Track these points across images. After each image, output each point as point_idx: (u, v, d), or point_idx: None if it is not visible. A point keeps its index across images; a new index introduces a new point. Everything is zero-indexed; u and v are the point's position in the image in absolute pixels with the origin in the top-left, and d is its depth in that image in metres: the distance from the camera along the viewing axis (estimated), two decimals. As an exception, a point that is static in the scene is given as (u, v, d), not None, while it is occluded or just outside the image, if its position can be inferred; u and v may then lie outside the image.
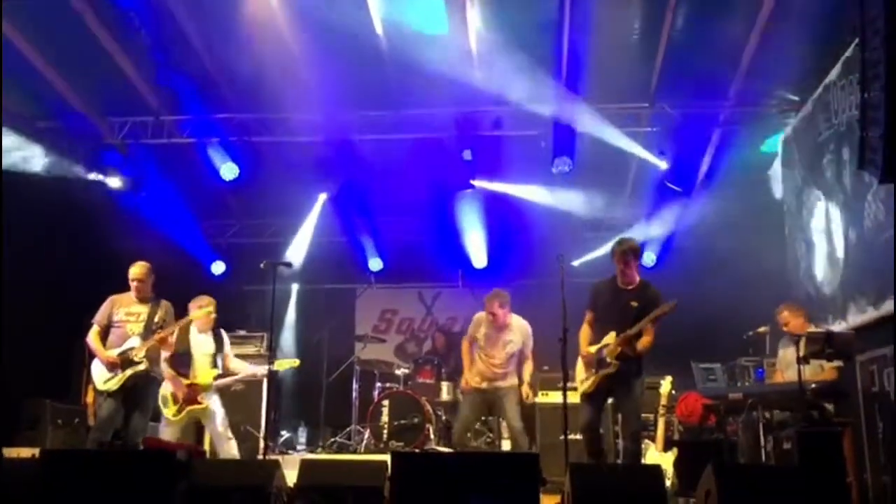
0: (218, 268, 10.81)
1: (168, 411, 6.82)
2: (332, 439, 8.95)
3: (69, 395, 8.41)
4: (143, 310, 6.52)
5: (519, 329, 7.19)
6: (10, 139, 7.98)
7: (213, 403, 6.90)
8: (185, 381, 6.86)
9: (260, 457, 6.94)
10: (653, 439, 6.85)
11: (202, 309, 6.96)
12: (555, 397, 8.05)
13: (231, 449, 6.85)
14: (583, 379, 6.06)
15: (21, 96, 7.96)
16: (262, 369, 7.10)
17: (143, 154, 9.23)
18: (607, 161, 9.26)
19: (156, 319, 6.49)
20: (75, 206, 8.59)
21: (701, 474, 4.63)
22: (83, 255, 8.79)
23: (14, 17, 7.34)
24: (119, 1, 7.40)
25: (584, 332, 6.13)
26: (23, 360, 7.54)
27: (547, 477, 5.80)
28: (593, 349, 5.99)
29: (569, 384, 6.06)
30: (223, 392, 7.17)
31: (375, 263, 10.84)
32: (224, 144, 9.06)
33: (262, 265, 6.77)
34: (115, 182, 9.02)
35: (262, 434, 7.56)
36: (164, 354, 6.83)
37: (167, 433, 6.84)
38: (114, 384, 6.32)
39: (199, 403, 6.83)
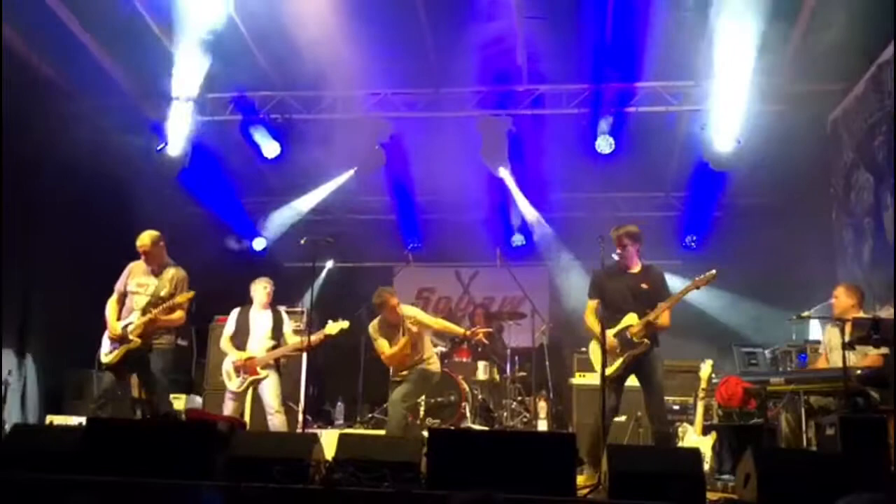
0: (259, 244, 10.92)
1: (232, 384, 7.03)
2: (370, 415, 9.02)
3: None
4: (151, 282, 6.49)
5: None
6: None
7: (272, 376, 7.06)
8: (244, 355, 7.01)
9: (299, 430, 7.05)
10: (692, 422, 6.78)
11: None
12: (592, 379, 8.01)
13: (277, 422, 6.97)
14: (606, 362, 5.87)
15: (68, 74, 8.10)
16: (315, 337, 7.13)
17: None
18: (651, 139, 9.13)
19: (162, 294, 6.42)
20: (123, 180, 8.70)
21: (740, 458, 4.57)
22: (131, 229, 8.92)
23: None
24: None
25: (592, 320, 6.11)
26: (69, 330, 7.69)
27: (583, 457, 5.79)
28: (613, 333, 5.97)
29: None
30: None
31: (413, 242, 10.85)
32: (265, 122, 9.11)
33: (302, 241, 6.81)
34: (161, 158, 9.12)
35: (301, 408, 7.63)
36: (226, 333, 7.19)
37: (230, 407, 7.02)
38: (112, 358, 6.36)
39: (259, 374, 7.00)
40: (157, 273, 6.51)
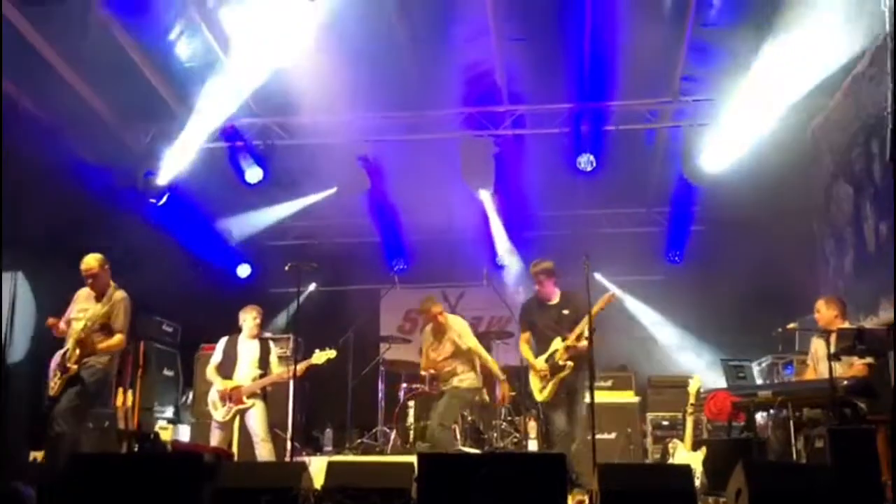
0: (244, 270, 10.86)
1: (217, 414, 6.97)
2: (359, 440, 8.94)
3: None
4: (90, 306, 6.28)
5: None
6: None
7: (258, 405, 7.00)
8: (230, 384, 6.96)
9: (287, 458, 6.98)
10: (681, 438, 6.76)
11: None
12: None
13: (264, 451, 6.90)
14: (540, 388, 6.47)
15: (45, 103, 8.05)
16: (300, 367, 7.09)
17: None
18: (630, 156, 9.19)
19: (98, 314, 6.15)
20: (103, 211, 8.64)
21: (731, 473, 4.55)
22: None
23: (43, 27, 7.42)
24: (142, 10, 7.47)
25: (526, 350, 6.69)
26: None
27: (574, 477, 5.77)
28: (544, 359, 6.45)
29: (595, 384, 6.02)
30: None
31: (398, 264, 10.82)
32: (248, 148, 9.09)
33: (286, 267, 6.77)
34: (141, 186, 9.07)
35: (289, 435, 7.56)
36: (213, 361, 7.08)
37: (216, 436, 6.95)
38: (55, 390, 6.08)
39: (244, 403, 6.93)
40: (99, 298, 6.29)
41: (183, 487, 4.34)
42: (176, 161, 8.82)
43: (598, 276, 6.24)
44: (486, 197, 9.76)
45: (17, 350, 7.60)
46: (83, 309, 6.29)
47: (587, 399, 6.31)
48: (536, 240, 10.57)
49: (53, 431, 5.86)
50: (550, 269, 6.70)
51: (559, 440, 6.39)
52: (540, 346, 6.58)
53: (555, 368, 6.40)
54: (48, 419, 5.97)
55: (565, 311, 6.53)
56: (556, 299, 6.67)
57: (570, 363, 6.33)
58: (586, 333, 6.19)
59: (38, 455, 6.71)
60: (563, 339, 6.42)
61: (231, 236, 9.36)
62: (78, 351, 6.06)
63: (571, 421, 6.54)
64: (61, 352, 6.17)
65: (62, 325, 6.33)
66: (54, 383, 6.10)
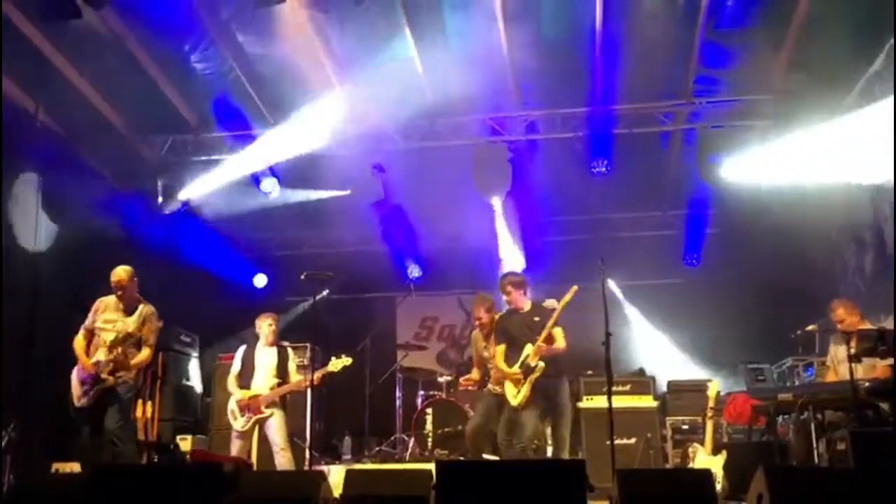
0: (260, 280, 10.92)
1: (237, 424, 6.99)
2: (377, 448, 8.95)
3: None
4: (119, 318, 6.35)
5: None
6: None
7: (277, 414, 7.01)
8: (248, 394, 6.98)
9: (306, 467, 6.99)
10: (701, 442, 6.72)
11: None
12: (599, 401, 7.95)
13: (284, 461, 6.91)
14: (514, 393, 6.50)
15: (62, 115, 8.15)
16: (316, 374, 7.12)
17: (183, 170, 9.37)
18: (645, 159, 9.16)
19: (130, 330, 6.28)
20: (115, 225, 8.74)
21: (752, 478, 4.52)
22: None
23: (56, 38, 7.51)
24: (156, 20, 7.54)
25: (500, 360, 6.72)
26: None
27: (593, 483, 5.74)
28: (518, 366, 6.49)
29: (613, 388, 6.00)
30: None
31: (415, 271, 10.84)
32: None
33: (302, 277, 6.80)
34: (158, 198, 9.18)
35: (307, 444, 7.58)
36: (233, 371, 7.15)
37: (236, 446, 6.98)
38: (87, 401, 6.17)
39: (263, 413, 6.95)
40: (127, 310, 6.38)
41: (203, 498, 4.37)
42: (201, 183, 9.00)
43: (610, 282, 6.16)
44: (497, 205, 9.74)
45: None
46: (110, 320, 6.34)
47: (569, 414, 6.67)
48: (552, 245, 10.55)
49: (112, 450, 6.05)
50: (518, 280, 6.89)
51: (519, 447, 6.39)
52: (514, 354, 6.62)
53: (527, 370, 6.45)
54: (81, 430, 6.17)
55: (536, 318, 6.63)
56: (527, 307, 6.78)
57: (541, 364, 6.38)
58: (559, 341, 6.45)
59: (60, 466, 6.78)
60: (533, 344, 6.48)
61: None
62: (112, 365, 6.16)
63: (555, 438, 6.75)
64: (91, 362, 6.21)
65: (82, 333, 6.38)
66: (83, 392, 6.18)
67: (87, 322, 6.41)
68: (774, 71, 8.03)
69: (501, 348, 6.77)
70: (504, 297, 6.88)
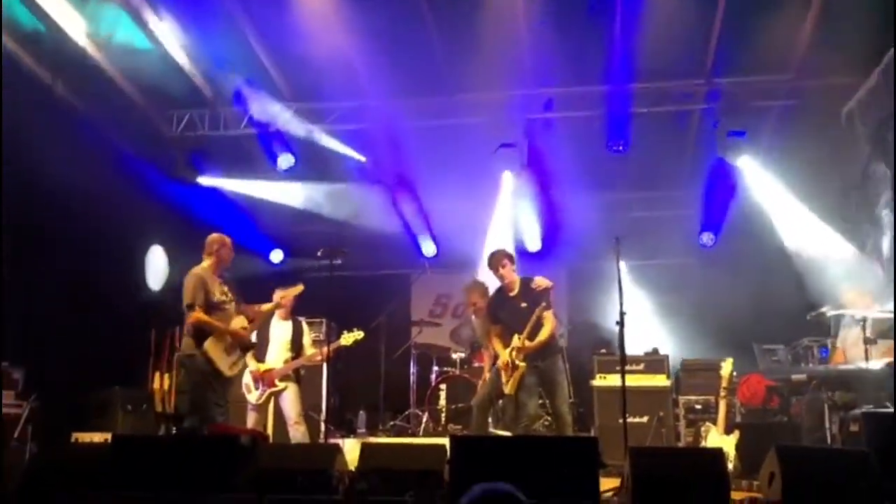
0: (277, 256, 10.97)
1: (251, 396, 7.09)
2: (391, 422, 9.04)
3: (137, 382, 8.64)
4: (226, 288, 6.34)
5: None
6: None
7: (291, 387, 7.10)
8: (263, 367, 7.06)
9: (321, 440, 7.08)
10: (714, 422, 6.74)
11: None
12: (613, 380, 7.98)
13: (298, 433, 7.00)
14: (505, 380, 6.59)
15: (79, 89, 8.18)
16: (332, 345, 7.21)
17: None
18: (662, 138, 9.10)
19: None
20: (136, 199, 8.80)
21: (764, 457, 4.54)
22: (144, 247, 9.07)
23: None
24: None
25: (497, 343, 6.77)
26: (94, 348, 7.76)
27: (606, 460, 5.78)
28: (507, 354, 6.55)
29: (626, 367, 6.03)
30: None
31: (429, 248, 10.85)
32: (279, 135, 9.16)
33: (318, 253, 6.84)
34: (175, 174, 9.22)
35: (322, 417, 7.67)
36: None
37: (252, 418, 7.09)
38: (238, 368, 6.29)
39: (277, 386, 7.04)
40: (223, 278, 6.36)
41: (221, 468, 4.44)
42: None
43: (621, 264, 6.12)
44: (509, 181, 9.68)
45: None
46: (224, 291, 6.30)
47: (565, 391, 6.72)
48: (567, 224, 10.51)
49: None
50: (501, 256, 6.85)
51: (522, 424, 6.46)
52: (505, 338, 6.68)
53: (512, 366, 6.51)
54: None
55: (523, 304, 6.62)
56: (516, 289, 6.77)
57: (522, 364, 6.44)
58: (544, 330, 6.44)
59: (80, 436, 6.90)
60: (519, 338, 6.50)
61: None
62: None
63: (554, 415, 6.79)
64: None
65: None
66: (239, 360, 6.29)
67: (201, 297, 6.10)
68: (795, 49, 7.94)
69: (497, 330, 6.84)
70: (496, 275, 6.87)
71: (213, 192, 9.67)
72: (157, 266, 9.41)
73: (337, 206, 10.61)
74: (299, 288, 6.87)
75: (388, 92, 8.64)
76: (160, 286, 9.32)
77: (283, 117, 9.21)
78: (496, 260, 6.85)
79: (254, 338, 7.25)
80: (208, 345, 6.01)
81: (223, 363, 6.06)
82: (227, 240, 6.43)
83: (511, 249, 8.03)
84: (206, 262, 6.30)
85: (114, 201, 8.19)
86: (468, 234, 10.65)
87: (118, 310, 8.35)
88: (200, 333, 6.03)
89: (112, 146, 8.44)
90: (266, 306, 6.91)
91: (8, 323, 6.73)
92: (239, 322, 6.30)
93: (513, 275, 6.82)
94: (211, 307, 6.10)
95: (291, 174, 9.65)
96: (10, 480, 4.51)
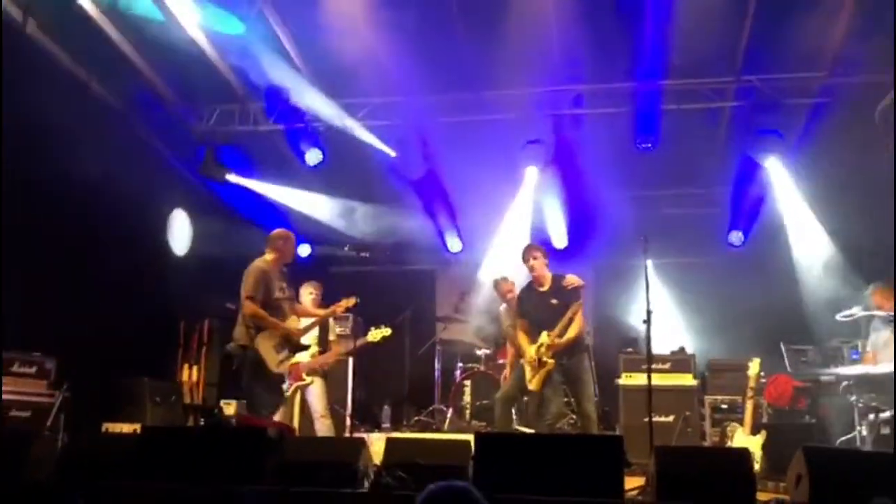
0: (304, 250, 11.05)
1: None
2: (416, 418, 9.07)
3: (165, 374, 8.76)
4: (284, 285, 6.39)
5: None
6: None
7: (317, 382, 7.17)
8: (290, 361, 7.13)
9: (346, 434, 7.13)
10: (740, 422, 6.69)
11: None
12: (639, 379, 7.95)
13: (324, 427, 7.06)
14: (530, 377, 6.59)
15: (110, 85, 8.29)
16: (359, 341, 7.26)
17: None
18: (691, 135, 9.03)
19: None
20: (165, 194, 8.92)
21: (791, 458, 4.50)
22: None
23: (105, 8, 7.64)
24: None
25: (522, 339, 6.75)
26: (123, 341, 7.87)
27: (631, 459, 5.76)
28: (533, 350, 6.50)
29: (653, 366, 6.00)
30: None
31: (455, 244, 10.85)
32: (306, 131, 9.21)
33: (345, 248, 6.89)
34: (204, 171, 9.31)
35: (348, 412, 7.73)
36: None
37: (278, 412, 7.10)
38: (284, 367, 6.31)
39: (304, 380, 7.11)
40: (285, 273, 6.45)
41: (248, 460, 4.49)
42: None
43: (648, 262, 6.09)
44: (531, 174, 9.66)
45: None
46: (283, 288, 6.37)
47: (591, 389, 6.65)
48: (594, 221, 10.47)
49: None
50: (542, 251, 6.82)
51: (546, 422, 6.46)
52: (532, 334, 6.65)
53: (540, 362, 6.47)
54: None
55: (554, 301, 6.58)
56: (547, 285, 6.72)
57: (551, 361, 6.40)
58: (573, 327, 6.41)
59: (111, 426, 7.02)
60: (549, 334, 6.45)
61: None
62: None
63: (579, 414, 6.74)
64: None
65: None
66: (287, 358, 6.38)
67: (261, 293, 6.19)
68: (829, 46, 7.83)
69: (523, 324, 6.82)
70: (527, 267, 6.82)
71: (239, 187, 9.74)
72: (180, 231, 9.42)
73: (366, 223, 10.61)
74: (353, 300, 6.84)
75: (416, 88, 8.65)
76: (184, 251, 9.38)
77: (312, 111, 9.22)
78: (528, 251, 6.83)
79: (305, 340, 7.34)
80: (259, 339, 6.10)
81: (271, 359, 6.14)
82: (291, 235, 6.54)
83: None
84: (269, 256, 6.39)
85: (143, 198, 8.32)
86: (494, 230, 10.64)
87: (146, 301, 8.44)
88: (255, 326, 6.12)
89: (144, 144, 8.57)
90: (321, 312, 7.00)
91: (42, 314, 6.87)
92: (292, 322, 6.37)
93: (544, 269, 6.77)
94: (268, 303, 6.17)
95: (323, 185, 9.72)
96: (42, 470, 4.59)
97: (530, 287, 6.88)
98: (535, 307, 6.71)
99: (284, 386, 7.09)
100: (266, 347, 6.10)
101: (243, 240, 8.50)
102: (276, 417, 7.09)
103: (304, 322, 6.61)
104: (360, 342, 7.20)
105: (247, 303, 6.11)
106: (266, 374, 6.10)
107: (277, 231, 6.53)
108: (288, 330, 6.25)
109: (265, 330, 6.11)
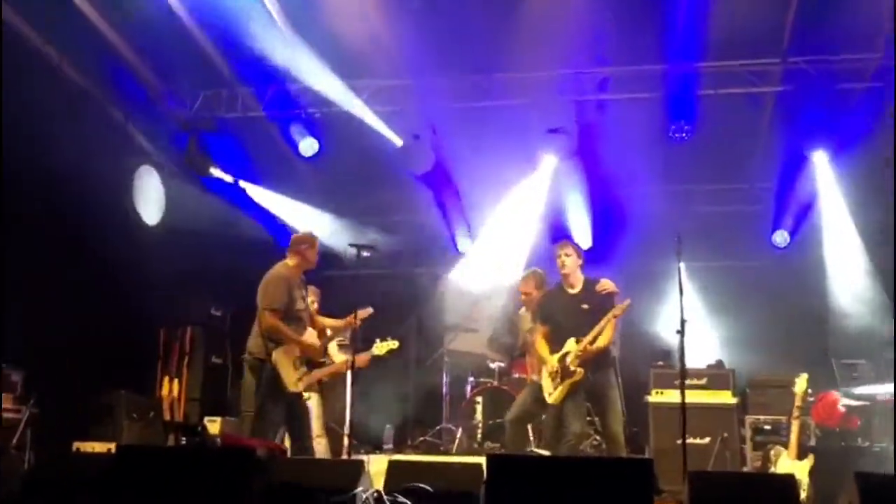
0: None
1: None
2: (421, 438, 9.07)
3: (143, 388, 8.77)
4: (304, 293, 6.45)
5: None
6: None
7: (313, 398, 7.19)
8: None
9: (344, 456, 7.13)
10: (785, 445, 6.66)
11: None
12: (671, 396, 7.93)
13: (320, 448, 7.08)
14: (550, 390, 6.46)
15: (89, 68, 8.33)
16: (362, 358, 7.25)
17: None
18: (730, 124, 9.01)
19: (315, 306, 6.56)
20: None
21: (842, 486, 4.48)
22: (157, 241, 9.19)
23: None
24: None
25: (542, 345, 6.64)
26: (95, 351, 7.88)
27: (662, 486, 5.75)
28: (557, 358, 6.41)
29: (687, 382, 5.98)
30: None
31: (465, 243, 10.84)
32: (301, 118, 9.22)
33: (345, 249, 6.89)
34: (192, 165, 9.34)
35: (346, 431, 7.72)
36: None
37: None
38: (302, 386, 6.35)
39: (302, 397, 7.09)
40: (304, 281, 6.51)
41: (233, 483, 4.49)
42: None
43: (682, 265, 6.05)
44: (547, 165, 9.65)
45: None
46: (303, 297, 6.43)
47: (618, 407, 6.53)
48: (622, 219, 10.46)
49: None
50: (578, 250, 6.73)
51: (567, 443, 6.36)
52: (554, 342, 6.54)
53: (565, 372, 6.37)
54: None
55: (585, 306, 6.48)
56: (578, 287, 6.62)
57: (580, 370, 6.30)
58: (604, 338, 6.30)
59: (81, 445, 7.03)
60: (578, 341, 6.36)
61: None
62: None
63: (605, 435, 6.68)
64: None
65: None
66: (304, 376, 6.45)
67: (283, 302, 6.25)
68: (883, 24, 7.79)
69: (544, 330, 6.71)
70: (558, 263, 6.71)
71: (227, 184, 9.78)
72: (150, 193, 9.19)
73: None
74: (368, 310, 6.85)
75: (424, 69, 8.65)
76: (157, 219, 9.21)
77: (306, 99, 9.22)
78: (560, 248, 6.74)
79: None
80: (277, 354, 6.13)
81: (289, 377, 6.18)
82: (316, 240, 6.56)
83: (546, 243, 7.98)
84: (292, 262, 6.42)
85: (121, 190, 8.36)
86: (508, 228, 10.63)
87: (122, 311, 8.44)
88: (273, 339, 6.15)
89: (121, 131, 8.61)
90: (338, 323, 7.02)
91: (5, 320, 6.89)
92: (311, 337, 6.40)
93: (577, 269, 6.67)
94: (290, 315, 6.21)
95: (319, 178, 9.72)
96: (5, 489, 4.61)
97: (559, 288, 6.77)
98: (563, 311, 6.60)
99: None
100: (284, 363, 6.14)
101: (226, 245, 8.58)
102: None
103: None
104: (364, 356, 7.17)
105: (266, 315, 6.13)
106: (282, 392, 6.14)
107: (301, 235, 6.59)
108: (307, 345, 6.30)
109: (284, 344, 6.15)
